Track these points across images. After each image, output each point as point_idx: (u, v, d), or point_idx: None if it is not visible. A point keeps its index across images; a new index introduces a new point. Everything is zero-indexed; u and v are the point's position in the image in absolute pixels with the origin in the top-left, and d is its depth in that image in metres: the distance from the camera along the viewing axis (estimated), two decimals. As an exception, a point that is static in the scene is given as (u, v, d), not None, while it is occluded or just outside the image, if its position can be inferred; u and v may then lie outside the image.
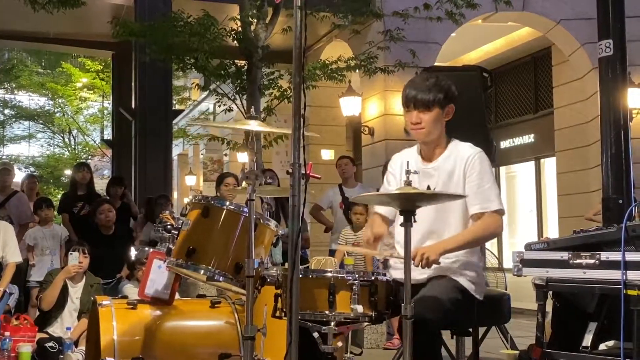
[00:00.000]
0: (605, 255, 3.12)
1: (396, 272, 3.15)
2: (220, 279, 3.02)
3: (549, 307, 3.55)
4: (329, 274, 2.79)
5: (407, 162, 2.93)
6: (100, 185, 12.14)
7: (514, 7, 10.24)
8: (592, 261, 3.15)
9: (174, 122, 13.86)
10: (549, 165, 13.04)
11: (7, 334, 5.11)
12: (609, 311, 3.37)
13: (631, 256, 3.03)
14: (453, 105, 3.20)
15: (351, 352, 3.06)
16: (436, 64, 10.58)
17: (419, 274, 3.03)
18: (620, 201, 4.93)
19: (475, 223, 3.09)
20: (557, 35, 11.30)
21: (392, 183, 3.32)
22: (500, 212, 3.10)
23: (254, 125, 2.98)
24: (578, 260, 3.19)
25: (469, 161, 3.14)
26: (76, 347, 5.17)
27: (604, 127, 5.17)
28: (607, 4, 5.22)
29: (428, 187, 3.06)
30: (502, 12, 10.62)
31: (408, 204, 2.75)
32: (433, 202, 3.03)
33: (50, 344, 5.19)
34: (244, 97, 9.25)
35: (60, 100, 24.66)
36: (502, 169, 14.08)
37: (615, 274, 3.04)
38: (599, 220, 6.80)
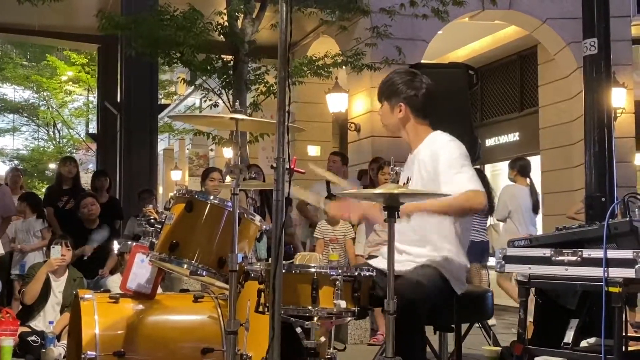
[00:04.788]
0: (587, 253, 3.14)
1: (382, 263, 3.17)
2: (204, 273, 3.01)
3: (531, 304, 3.58)
4: (312, 269, 2.80)
5: (392, 158, 2.97)
6: (85, 179, 12.07)
7: (500, 6, 10.28)
8: (574, 258, 3.17)
9: (159, 116, 13.77)
10: (534, 163, 13.05)
11: (-11, 327, 5.09)
12: (591, 308, 3.39)
13: (613, 253, 3.05)
14: (402, 104, 3.30)
15: (334, 348, 3.06)
16: (423, 61, 10.59)
17: (402, 266, 3.07)
18: (603, 199, 4.97)
19: (452, 197, 3.03)
20: (543, 34, 11.36)
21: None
22: (479, 192, 3.09)
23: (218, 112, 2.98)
24: (560, 257, 3.21)
25: (435, 150, 3.21)
26: (58, 341, 5.15)
27: (588, 126, 5.21)
28: (592, 4, 5.25)
29: (408, 179, 3.17)
30: (488, 10, 10.66)
31: (391, 201, 2.78)
32: (416, 199, 3.07)
33: (33, 338, 5.17)
34: (230, 92, 9.22)
35: (45, 93, 24.49)
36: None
37: (597, 271, 3.06)
38: (580, 218, 6.88)
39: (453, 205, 3.07)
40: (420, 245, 3.22)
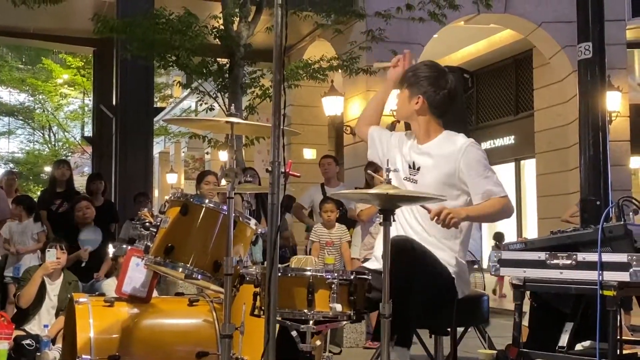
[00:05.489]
0: (582, 256, 3.15)
1: (379, 264, 3.17)
2: (199, 277, 3.00)
3: (526, 307, 3.58)
4: (308, 273, 2.79)
5: (387, 160, 2.96)
6: (80, 182, 12.05)
7: (495, 10, 10.30)
8: (569, 262, 3.18)
9: (155, 119, 13.76)
10: (529, 166, 13.14)
11: (-17, 331, 5.07)
12: (586, 311, 3.39)
13: (607, 257, 3.06)
14: (421, 97, 3.25)
15: (330, 351, 3.06)
16: (418, 64, 10.60)
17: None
18: (598, 203, 4.98)
19: (491, 200, 3.12)
20: (538, 37, 11.39)
21: (382, 139, 3.47)
22: (506, 197, 3.17)
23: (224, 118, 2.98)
24: (555, 261, 3.22)
25: (461, 151, 3.17)
26: (53, 344, 5.13)
27: (583, 130, 5.22)
28: (587, 8, 5.26)
29: (414, 164, 3.20)
30: (484, 14, 10.68)
31: (388, 203, 2.77)
32: (413, 203, 3.06)
33: (27, 341, 5.14)
34: (226, 95, 9.22)
35: (40, 97, 24.48)
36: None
37: (591, 275, 3.07)
38: (575, 221, 6.89)
39: (496, 213, 3.15)
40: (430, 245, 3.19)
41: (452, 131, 3.35)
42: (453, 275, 3.11)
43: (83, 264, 6.40)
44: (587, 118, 5.19)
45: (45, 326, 5.36)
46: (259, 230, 3.30)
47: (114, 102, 12.48)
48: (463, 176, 3.14)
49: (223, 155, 14.44)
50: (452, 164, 3.16)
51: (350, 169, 11.28)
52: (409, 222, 3.22)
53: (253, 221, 3.24)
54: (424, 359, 4.07)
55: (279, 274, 2.63)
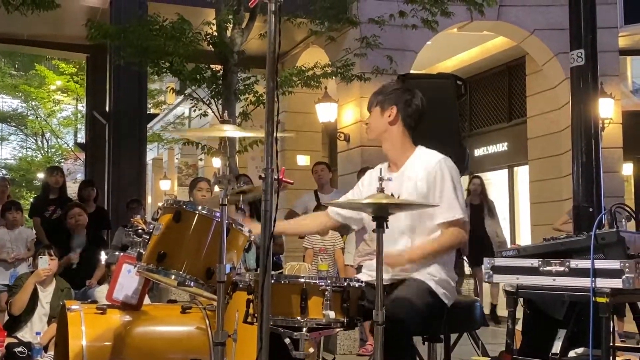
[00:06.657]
0: (574, 263, 3.15)
1: (364, 276, 3.18)
2: (191, 284, 2.99)
3: (519, 314, 3.58)
4: (302, 280, 2.79)
5: (380, 169, 2.96)
6: (73, 188, 12.02)
7: (488, 17, 10.34)
8: (561, 268, 3.18)
9: (148, 126, 13.74)
10: (522, 173, 13.17)
11: (-25, 338, 5.04)
12: (579, 318, 3.40)
13: (600, 264, 3.06)
14: (395, 107, 3.27)
15: (323, 358, 3.06)
16: (412, 71, 10.64)
17: (390, 276, 3.06)
18: (591, 209, 4.99)
19: (440, 234, 3.13)
20: (531, 44, 11.43)
21: (354, 193, 3.44)
22: (462, 221, 3.14)
23: (228, 131, 2.99)
24: (548, 268, 3.22)
25: (432, 169, 3.17)
26: (46, 352, 5.11)
27: (575, 137, 5.23)
28: (579, 15, 5.28)
29: (391, 195, 3.11)
30: (477, 22, 10.72)
31: (379, 211, 2.77)
32: (403, 210, 3.06)
33: (20, 349, 5.11)
34: (220, 101, 9.21)
35: (33, 103, 24.44)
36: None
37: (584, 282, 3.07)
38: (566, 229, 6.90)
39: (444, 249, 3.14)
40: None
41: (443, 138, 3.38)
42: (435, 290, 3.12)
43: (74, 266, 6.37)
44: (579, 125, 5.20)
45: (38, 333, 5.33)
46: (252, 236, 3.29)
47: (107, 109, 12.46)
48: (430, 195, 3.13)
49: (216, 162, 14.41)
50: (431, 184, 3.14)
51: (344, 175, 11.28)
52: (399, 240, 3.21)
53: (246, 228, 3.23)
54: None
55: (272, 281, 2.62)
